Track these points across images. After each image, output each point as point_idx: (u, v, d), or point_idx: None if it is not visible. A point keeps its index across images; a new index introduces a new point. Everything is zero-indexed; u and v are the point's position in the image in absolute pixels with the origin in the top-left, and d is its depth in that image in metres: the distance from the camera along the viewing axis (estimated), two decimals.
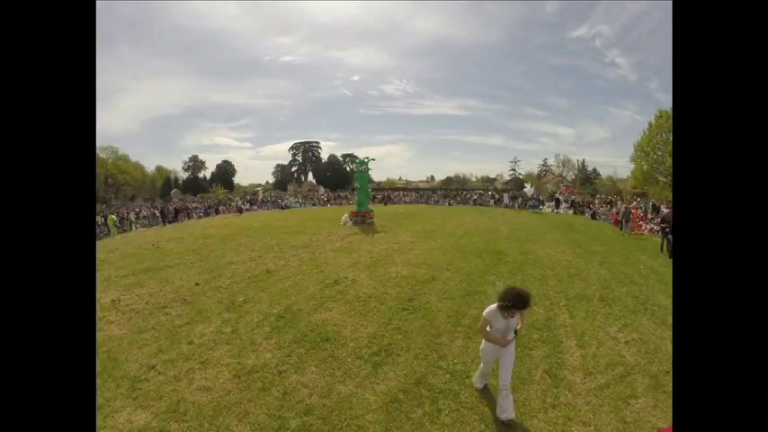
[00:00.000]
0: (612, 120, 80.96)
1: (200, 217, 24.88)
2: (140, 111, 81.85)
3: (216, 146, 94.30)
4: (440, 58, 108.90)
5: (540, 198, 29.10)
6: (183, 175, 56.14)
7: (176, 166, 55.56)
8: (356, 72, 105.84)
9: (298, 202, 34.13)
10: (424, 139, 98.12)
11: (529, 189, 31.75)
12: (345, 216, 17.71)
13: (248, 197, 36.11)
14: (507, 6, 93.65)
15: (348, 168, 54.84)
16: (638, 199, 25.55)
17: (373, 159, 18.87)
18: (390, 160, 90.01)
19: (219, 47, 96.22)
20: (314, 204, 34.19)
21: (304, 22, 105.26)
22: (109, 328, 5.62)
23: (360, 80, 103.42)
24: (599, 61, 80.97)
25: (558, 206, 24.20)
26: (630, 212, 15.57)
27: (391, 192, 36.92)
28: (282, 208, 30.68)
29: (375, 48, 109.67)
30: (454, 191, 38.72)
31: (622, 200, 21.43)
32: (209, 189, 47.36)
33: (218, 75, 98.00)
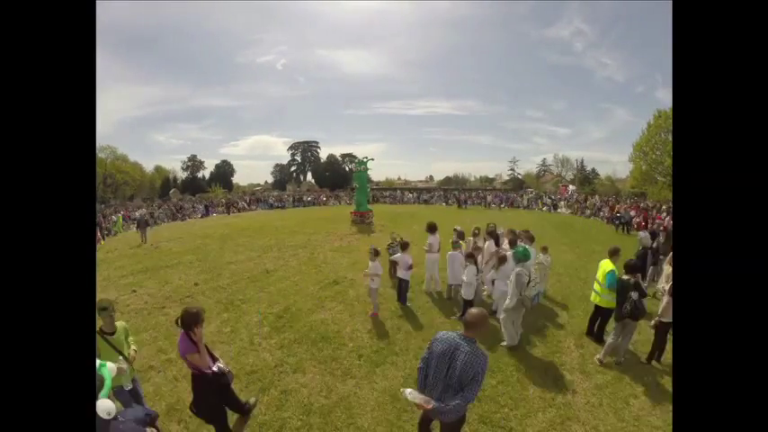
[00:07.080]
0: (606, 118, 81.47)
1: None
2: (109, 113, 79.99)
3: (176, 146, 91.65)
4: (426, 55, 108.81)
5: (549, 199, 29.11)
6: (182, 175, 56.08)
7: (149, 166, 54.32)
8: (340, 70, 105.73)
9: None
10: (408, 138, 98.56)
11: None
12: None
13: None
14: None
15: (347, 168, 54.77)
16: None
17: (372, 159, 18.81)
18: (375, 159, 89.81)
19: (195, 48, 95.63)
20: (305, 205, 29.77)
21: (285, 22, 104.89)
22: None
23: (344, 79, 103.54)
24: (588, 60, 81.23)
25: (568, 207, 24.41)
26: None
27: (393, 191, 36.69)
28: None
29: (361, 46, 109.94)
30: (456, 190, 38.60)
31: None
32: (207, 189, 47.22)
33: (188, 76, 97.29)
